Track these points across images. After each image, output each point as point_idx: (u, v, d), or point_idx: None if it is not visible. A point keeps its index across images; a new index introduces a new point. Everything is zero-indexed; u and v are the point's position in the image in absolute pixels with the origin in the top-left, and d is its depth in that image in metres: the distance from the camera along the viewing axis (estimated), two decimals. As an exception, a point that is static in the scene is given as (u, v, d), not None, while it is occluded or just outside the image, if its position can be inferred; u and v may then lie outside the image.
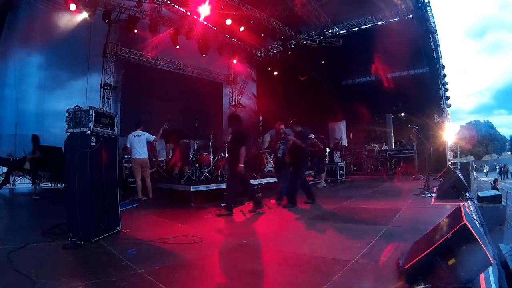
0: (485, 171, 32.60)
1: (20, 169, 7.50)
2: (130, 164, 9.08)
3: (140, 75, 12.03)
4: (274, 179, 8.17)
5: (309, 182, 8.92)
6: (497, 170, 30.10)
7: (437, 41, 11.93)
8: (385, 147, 14.90)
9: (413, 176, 9.81)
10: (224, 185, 6.40)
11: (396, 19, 12.21)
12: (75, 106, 3.34)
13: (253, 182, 7.14)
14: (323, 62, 14.02)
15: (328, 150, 10.61)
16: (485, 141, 44.05)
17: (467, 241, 1.87)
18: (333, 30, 13.68)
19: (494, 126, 46.56)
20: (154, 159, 8.22)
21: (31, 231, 3.77)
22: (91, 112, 3.28)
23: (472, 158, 41.75)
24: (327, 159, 9.84)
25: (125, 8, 10.66)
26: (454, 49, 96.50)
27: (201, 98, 13.70)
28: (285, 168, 5.77)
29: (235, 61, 14.77)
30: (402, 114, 15.10)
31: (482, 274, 2.00)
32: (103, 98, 10.85)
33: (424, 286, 1.91)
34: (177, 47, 12.07)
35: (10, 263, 2.57)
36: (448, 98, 12.12)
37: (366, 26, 13.06)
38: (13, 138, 8.58)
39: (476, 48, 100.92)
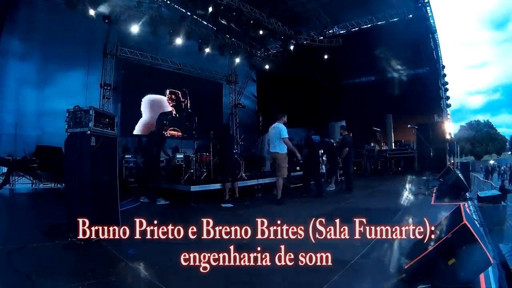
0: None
1: (20, 169, 7.45)
2: (130, 164, 9.10)
3: (140, 75, 12.03)
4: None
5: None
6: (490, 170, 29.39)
7: (437, 41, 11.94)
8: (385, 147, 14.88)
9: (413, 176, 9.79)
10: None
11: (396, 19, 12.22)
12: (75, 106, 3.33)
13: (253, 182, 7.17)
14: (323, 62, 14.02)
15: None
16: (485, 141, 43.94)
17: (467, 241, 1.87)
18: (333, 30, 13.66)
19: (494, 126, 46.47)
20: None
21: (31, 231, 3.77)
22: (91, 112, 3.27)
23: (472, 158, 41.66)
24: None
25: (125, 8, 10.65)
26: (475, 40, 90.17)
27: (201, 98, 13.73)
28: None
29: (235, 61, 14.76)
30: (402, 114, 15.10)
31: (482, 274, 2.00)
32: (103, 98, 10.85)
33: (424, 286, 1.91)
34: (177, 47, 12.06)
35: (10, 263, 2.56)
36: (448, 98, 12.12)
37: (366, 26, 13.05)
38: (13, 138, 8.58)
39: (500, 39, 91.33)
